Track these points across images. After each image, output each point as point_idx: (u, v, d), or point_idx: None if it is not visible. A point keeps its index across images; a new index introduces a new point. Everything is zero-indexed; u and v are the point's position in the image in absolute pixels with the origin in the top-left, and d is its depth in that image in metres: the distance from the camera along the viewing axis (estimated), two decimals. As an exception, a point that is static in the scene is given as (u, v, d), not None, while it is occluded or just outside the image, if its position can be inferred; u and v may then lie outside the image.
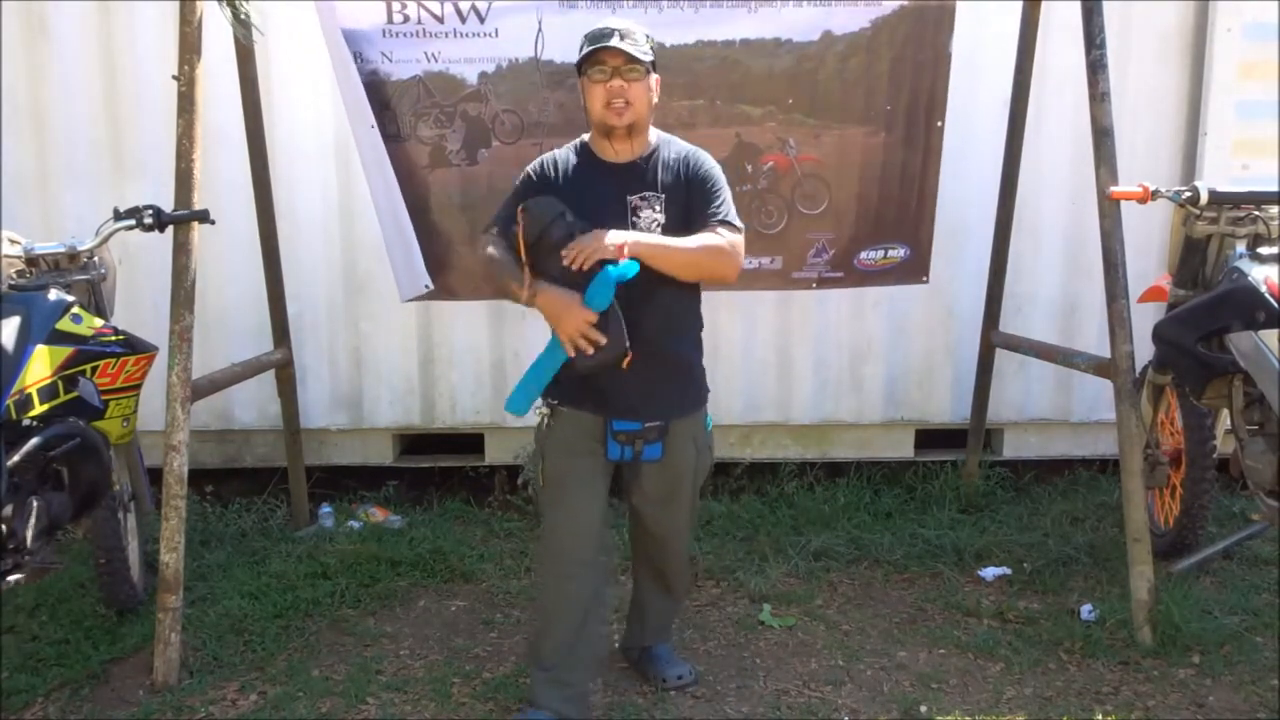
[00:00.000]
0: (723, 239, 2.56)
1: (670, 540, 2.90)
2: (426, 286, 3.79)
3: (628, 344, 2.49)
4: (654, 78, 2.60)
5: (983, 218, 4.02)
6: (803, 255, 3.83)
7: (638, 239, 2.49)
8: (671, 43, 3.52)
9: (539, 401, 2.66)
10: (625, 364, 2.50)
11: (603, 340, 2.48)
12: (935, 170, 3.76)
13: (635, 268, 2.45)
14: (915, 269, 3.91)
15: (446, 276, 3.78)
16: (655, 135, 2.67)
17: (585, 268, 2.44)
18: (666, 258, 2.51)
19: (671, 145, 2.66)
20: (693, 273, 2.58)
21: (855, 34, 3.55)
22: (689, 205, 2.59)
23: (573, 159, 2.65)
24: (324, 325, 4.26)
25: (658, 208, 2.58)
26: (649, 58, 2.55)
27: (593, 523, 2.67)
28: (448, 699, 2.92)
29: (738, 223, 2.61)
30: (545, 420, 2.67)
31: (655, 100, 2.62)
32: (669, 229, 2.58)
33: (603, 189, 2.58)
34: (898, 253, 3.87)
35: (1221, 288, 3.10)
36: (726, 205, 2.60)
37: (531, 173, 2.68)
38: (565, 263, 2.45)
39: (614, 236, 2.46)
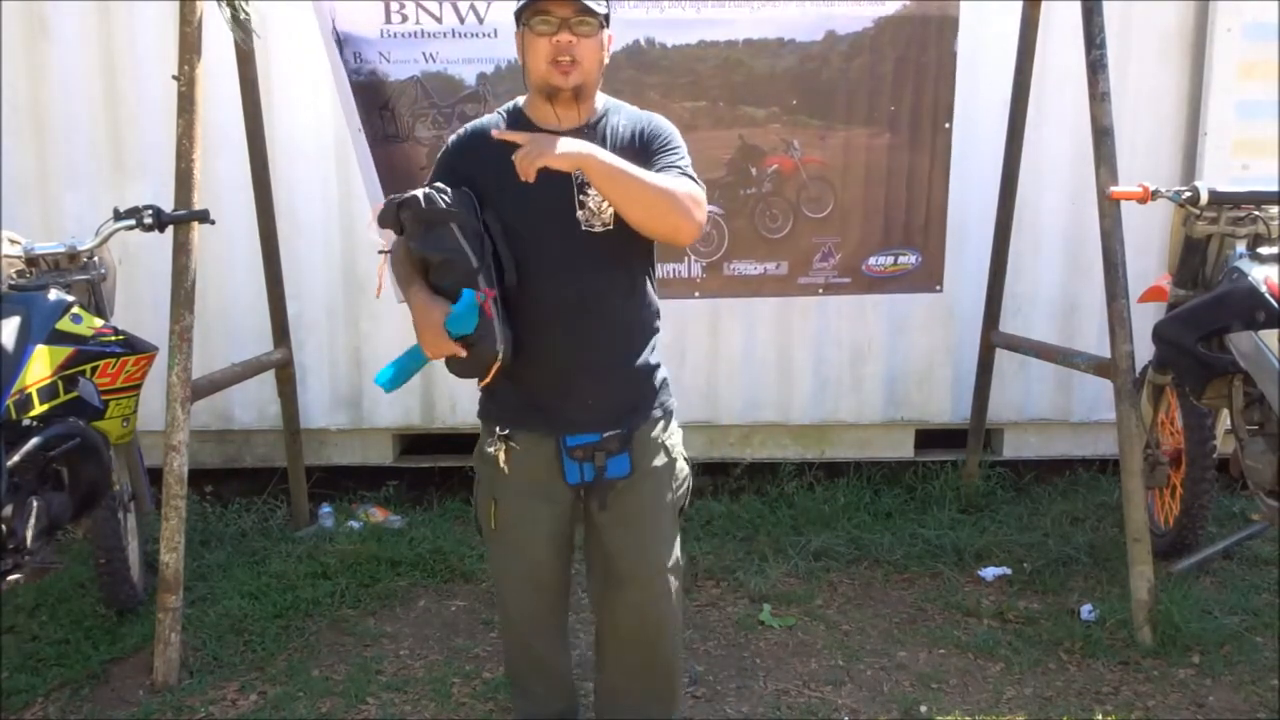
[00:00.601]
0: (687, 186, 2.15)
1: (651, 606, 2.34)
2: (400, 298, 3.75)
3: (498, 349, 2.13)
4: (607, 33, 2.21)
5: (983, 218, 4.02)
6: (808, 260, 3.79)
7: (592, 153, 2.04)
8: (673, 43, 3.52)
9: (491, 434, 2.30)
10: (491, 372, 2.17)
11: (462, 353, 2.12)
12: (944, 173, 3.71)
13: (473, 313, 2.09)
14: (927, 277, 3.84)
15: None
16: (603, 100, 2.28)
17: (531, 179, 2.03)
18: (621, 184, 2.06)
19: (622, 111, 2.28)
20: (648, 212, 2.11)
21: (859, 34, 3.53)
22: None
23: (503, 127, 2.21)
24: (324, 325, 4.26)
25: None
26: (604, 9, 2.17)
27: (555, 576, 2.38)
28: (448, 699, 2.92)
29: (701, 183, 2.21)
30: (499, 455, 2.27)
31: (607, 60, 2.23)
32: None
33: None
34: (908, 259, 3.81)
35: (1221, 288, 3.10)
36: (685, 161, 2.22)
37: (451, 146, 2.30)
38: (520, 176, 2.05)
39: (565, 145, 2.02)
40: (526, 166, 2.01)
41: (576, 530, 2.40)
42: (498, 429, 2.28)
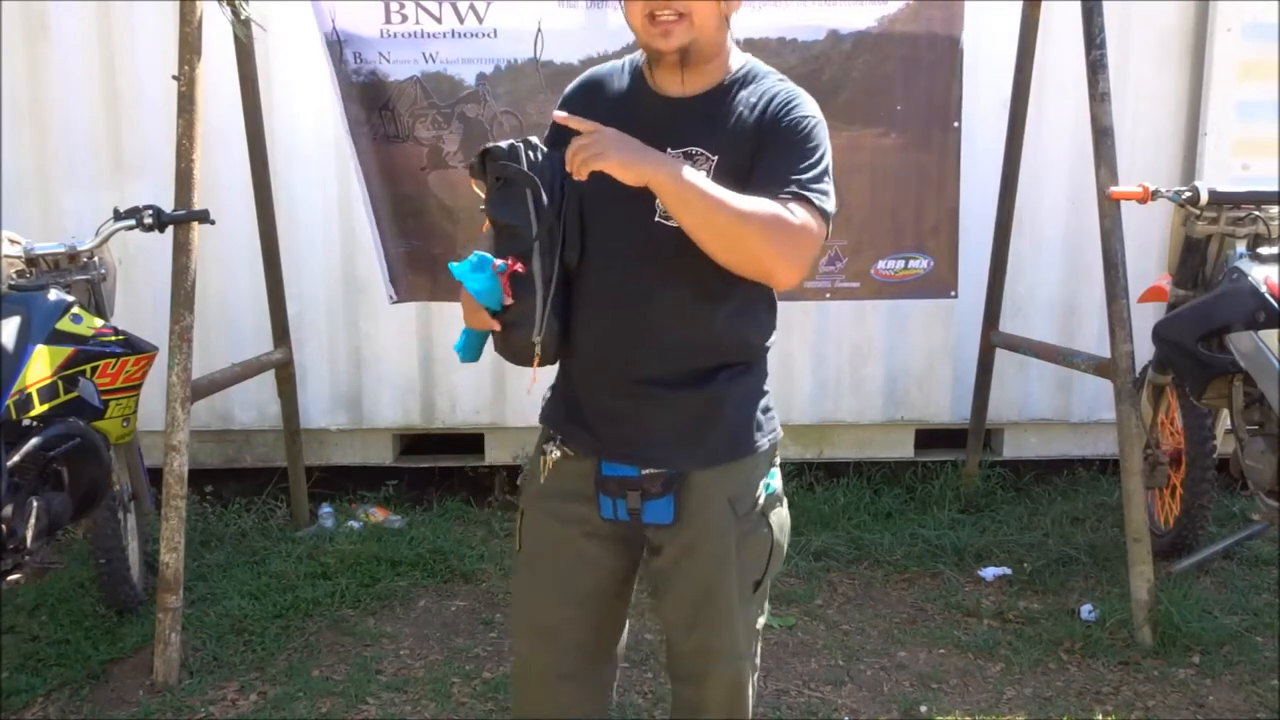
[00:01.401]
0: (794, 216, 1.68)
1: (709, 678, 1.93)
2: (390, 298, 3.78)
3: (534, 339, 1.79)
4: None
5: (983, 218, 4.02)
6: (816, 264, 3.71)
7: (659, 169, 1.64)
8: None
9: (544, 436, 1.97)
10: (534, 363, 1.82)
11: (496, 326, 1.81)
12: (954, 174, 3.61)
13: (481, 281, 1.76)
14: (939, 282, 3.71)
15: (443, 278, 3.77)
16: (741, 62, 1.87)
17: (582, 178, 1.69)
18: (698, 211, 1.65)
19: (762, 81, 1.83)
20: (729, 248, 1.68)
21: (862, 33, 3.48)
22: (753, 168, 1.74)
23: (624, 82, 1.89)
24: (324, 325, 4.26)
25: (703, 169, 1.75)
26: None
27: (579, 631, 1.93)
28: (448, 699, 2.92)
29: (824, 203, 1.72)
30: (544, 460, 1.91)
31: (735, 10, 1.83)
32: None
33: (638, 132, 1.72)
34: (920, 264, 3.69)
35: (1221, 288, 3.10)
36: (816, 170, 1.73)
37: (564, 96, 1.94)
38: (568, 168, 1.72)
39: (632, 155, 1.65)
40: (579, 166, 1.67)
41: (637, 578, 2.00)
42: (555, 436, 1.92)
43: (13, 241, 3.01)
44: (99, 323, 3.01)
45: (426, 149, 3.61)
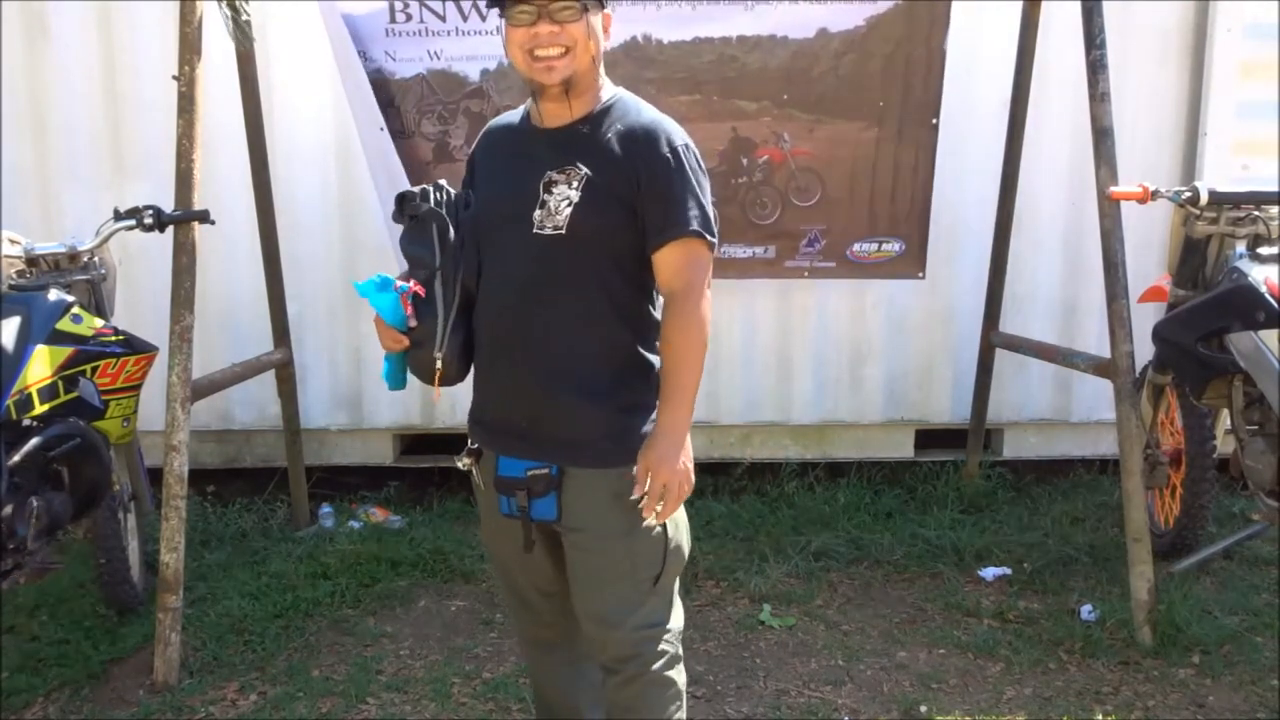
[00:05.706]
0: (694, 292, 1.90)
1: (609, 646, 2.05)
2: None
3: (435, 355, 1.97)
4: (602, 14, 1.93)
5: (983, 218, 4.03)
6: (795, 245, 3.92)
7: (670, 449, 1.89)
8: (670, 39, 3.58)
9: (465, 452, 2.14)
10: (436, 379, 2.00)
11: (399, 345, 1.99)
12: (930, 167, 3.80)
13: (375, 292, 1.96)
14: (910, 264, 3.96)
15: None
16: (611, 92, 2.00)
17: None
18: (693, 394, 1.93)
19: (629, 114, 1.97)
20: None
21: (850, 31, 3.62)
22: (628, 198, 1.91)
23: (515, 122, 2.07)
24: (324, 325, 4.26)
25: (574, 184, 1.90)
26: None
27: (543, 599, 2.17)
28: (448, 699, 2.92)
29: (706, 228, 1.92)
30: (472, 470, 2.11)
31: (604, 44, 1.95)
32: (580, 211, 1.90)
33: (521, 162, 1.97)
34: (892, 247, 3.92)
35: (1221, 288, 3.10)
36: (688, 208, 1.90)
37: (475, 151, 2.16)
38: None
39: (669, 473, 1.90)
40: (671, 512, 1.93)
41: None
42: (473, 443, 2.11)
43: (13, 241, 3.01)
44: (99, 323, 3.01)
45: (433, 144, 3.66)
